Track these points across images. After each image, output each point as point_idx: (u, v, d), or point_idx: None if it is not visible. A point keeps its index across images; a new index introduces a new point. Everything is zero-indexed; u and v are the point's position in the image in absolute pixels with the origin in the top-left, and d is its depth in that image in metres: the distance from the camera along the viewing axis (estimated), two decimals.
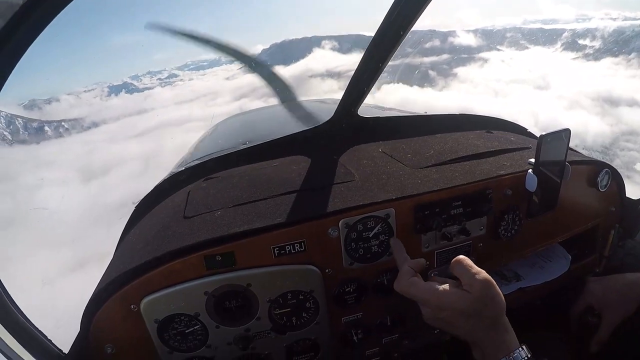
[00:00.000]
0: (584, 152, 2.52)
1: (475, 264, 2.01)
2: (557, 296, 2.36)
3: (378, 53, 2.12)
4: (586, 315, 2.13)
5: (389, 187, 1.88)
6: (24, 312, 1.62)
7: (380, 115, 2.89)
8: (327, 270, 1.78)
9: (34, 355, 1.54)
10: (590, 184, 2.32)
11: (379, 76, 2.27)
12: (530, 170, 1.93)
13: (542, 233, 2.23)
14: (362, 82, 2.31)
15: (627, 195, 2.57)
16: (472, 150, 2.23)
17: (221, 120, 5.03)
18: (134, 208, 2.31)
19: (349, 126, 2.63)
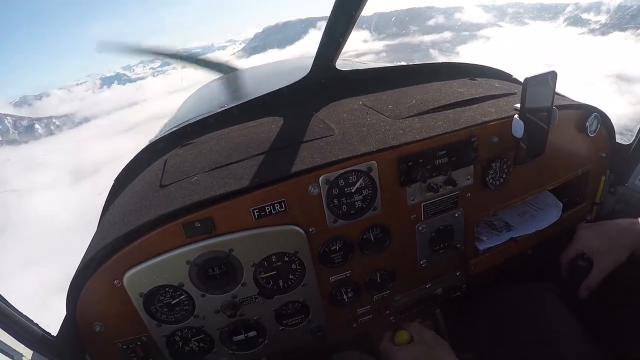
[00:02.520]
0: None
1: (464, 215, 2.07)
2: (548, 245, 2.33)
3: (348, 3, 2.08)
4: (576, 261, 2.12)
5: (369, 140, 1.87)
6: (5, 298, 1.59)
7: (360, 68, 2.87)
8: (310, 230, 1.79)
9: (21, 342, 1.55)
10: (579, 129, 2.29)
11: (353, 26, 2.23)
12: (516, 116, 1.89)
13: (532, 181, 2.22)
14: (336, 34, 2.28)
15: (617, 140, 2.53)
16: (456, 98, 2.20)
17: (201, 86, 4.98)
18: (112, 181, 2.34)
19: (327, 80, 2.61)
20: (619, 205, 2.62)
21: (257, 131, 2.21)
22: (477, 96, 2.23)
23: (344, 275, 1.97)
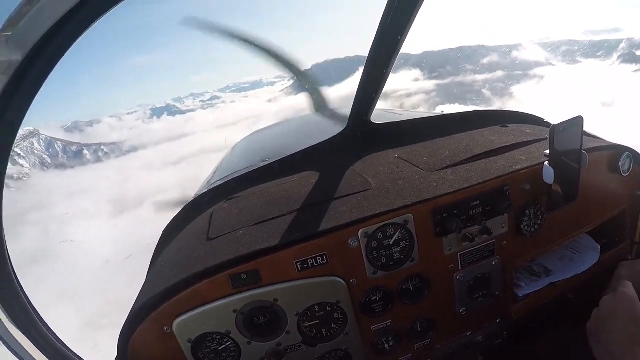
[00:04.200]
0: None
1: (501, 262, 2.13)
2: (589, 288, 2.35)
3: (379, 58, 2.28)
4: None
5: (405, 193, 2.01)
6: (61, 339, 1.88)
7: (394, 120, 3.03)
8: (351, 281, 1.93)
9: None
10: (612, 170, 2.37)
11: (386, 81, 2.42)
12: (546, 163, 1.99)
13: (567, 225, 2.30)
14: (369, 89, 2.47)
15: None
16: (487, 147, 2.32)
17: (239, 140, 5.38)
18: (161, 233, 2.54)
19: (363, 134, 2.79)
20: None
21: (297, 186, 2.38)
22: (508, 144, 2.35)
23: (385, 324, 2.09)
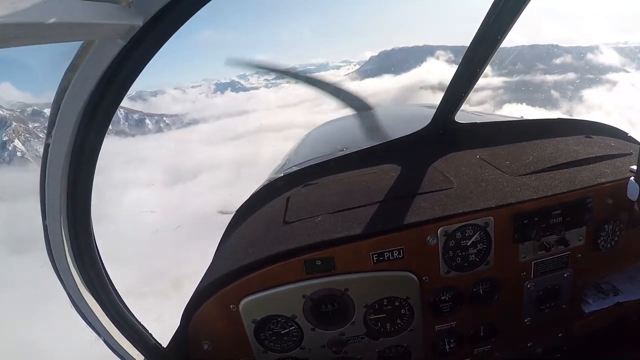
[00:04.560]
0: None
1: (573, 276, 2.10)
2: None
3: (476, 58, 2.26)
4: None
5: (488, 195, 2.00)
6: (129, 307, 1.91)
7: (478, 121, 3.02)
8: (424, 278, 1.93)
9: (136, 347, 1.84)
10: None
11: (476, 82, 2.41)
12: (632, 178, 1.94)
13: None
14: (459, 88, 2.46)
15: None
16: (572, 157, 2.29)
17: (314, 128, 5.43)
18: (233, 213, 2.60)
19: (445, 132, 2.78)
20: None
21: (377, 178, 2.40)
22: (593, 155, 2.31)
23: (449, 326, 2.10)
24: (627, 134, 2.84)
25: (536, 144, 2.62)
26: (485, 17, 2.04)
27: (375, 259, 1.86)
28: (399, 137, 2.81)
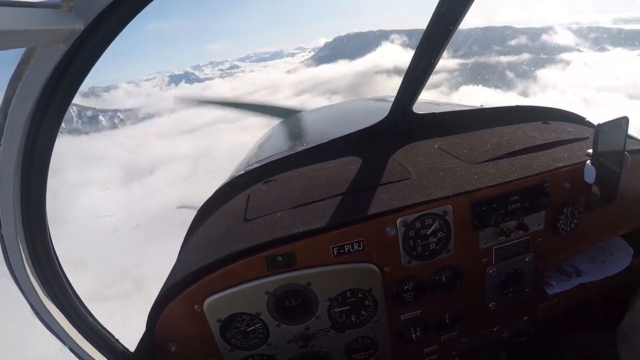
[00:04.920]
0: None
1: (534, 259, 2.15)
2: (618, 292, 2.38)
3: (429, 48, 2.28)
4: None
5: (445, 184, 2.03)
6: (92, 312, 1.90)
7: (436, 111, 3.07)
8: (385, 269, 1.96)
9: (103, 354, 1.84)
10: None
11: (432, 72, 2.44)
12: (588, 162, 2.02)
13: (603, 226, 2.31)
14: (415, 79, 2.48)
15: None
16: (529, 143, 2.35)
17: (277, 123, 5.48)
18: (192, 207, 2.64)
19: (404, 124, 2.81)
20: None
21: (337, 171, 2.41)
22: (550, 141, 2.36)
23: (414, 314, 2.13)
24: (584, 118, 2.91)
25: (494, 132, 2.68)
26: (437, 7, 2.07)
27: (335, 252, 1.89)
28: (357, 130, 2.84)
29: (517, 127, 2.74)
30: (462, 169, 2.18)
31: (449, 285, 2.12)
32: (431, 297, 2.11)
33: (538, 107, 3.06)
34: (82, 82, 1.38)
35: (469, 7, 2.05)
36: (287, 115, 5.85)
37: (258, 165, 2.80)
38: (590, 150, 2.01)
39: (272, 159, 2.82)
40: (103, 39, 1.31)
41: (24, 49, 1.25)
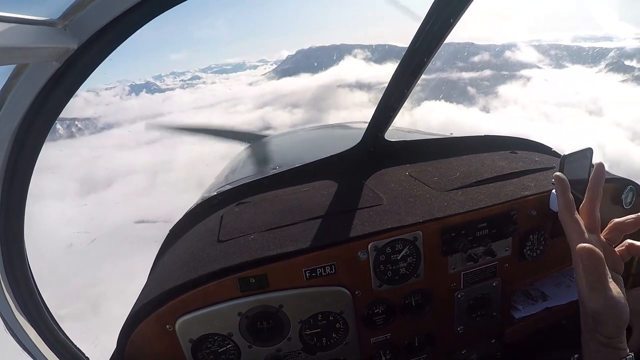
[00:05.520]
0: None
1: (501, 284, 2.22)
2: None
3: (403, 80, 2.37)
4: None
5: (416, 211, 2.10)
6: (65, 330, 1.93)
7: (407, 139, 3.13)
8: (356, 292, 2.00)
9: None
10: (615, 202, 2.52)
11: (404, 102, 2.51)
12: (553, 191, 2.02)
13: (568, 252, 2.25)
14: (388, 109, 2.57)
15: None
16: (497, 172, 2.44)
17: (249, 145, 5.55)
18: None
19: (376, 150, 2.88)
20: None
21: (310, 195, 2.46)
22: (517, 170, 2.46)
23: (384, 337, 2.17)
24: (550, 148, 3.02)
25: (463, 160, 2.76)
26: (412, 41, 2.16)
27: (308, 275, 1.92)
28: (330, 155, 2.90)
29: (486, 155, 2.83)
30: (432, 196, 2.26)
31: (419, 309, 2.17)
32: (401, 321, 2.16)
33: (506, 136, 3.17)
34: (69, 100, 1.41)
35: (443, 41, 2.14)
36: (253, 140, 5.98)
37: (231, 187, 2.83)
38: None
39: (245, 181, 2.86)
40: (95, 58, 1.35)
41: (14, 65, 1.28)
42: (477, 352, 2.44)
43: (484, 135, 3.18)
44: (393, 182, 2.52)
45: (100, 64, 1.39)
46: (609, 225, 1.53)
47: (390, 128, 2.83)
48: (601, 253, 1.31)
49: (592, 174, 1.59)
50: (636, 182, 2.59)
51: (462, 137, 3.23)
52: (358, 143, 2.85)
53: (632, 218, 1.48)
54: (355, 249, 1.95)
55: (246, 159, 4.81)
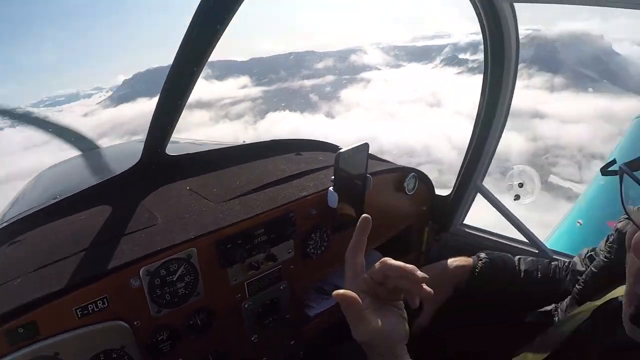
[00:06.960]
0: None
1: (289, 286, 2.31)
2: None
3: (175, 91, 2.30)
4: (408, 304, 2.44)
5: (189, 227, 2.06)
6: None
7: (190, 151, 3.09)
8: (135, 323, 1.92)
9: None
10: (398, 189, 2.74)
11: (180, 113, 2.43)
12: (330, 188, 2.23)
13: None
14: (164, 121, 2.46)
15: (438, 193, 3.10)
16: (278, 176, 2.50)
17: (32, 178, 5.12)
18: None
19: (157, 167, 2.74)
20: (444, 251, 3.14)
21: (84, 224, 2.29)
22: (299, 172, 2.57)
23: None
24: (337, 147, 3.13)
25: (246, 168, 2.81)
26: (179, 49, 2.11)
27: (79, 314, 1.79)
28: (110, 176, 2.75)
29: (270, 160, 2.92)
30: (208, 209, 2.25)
31: (205, 327, 2.15)
32: (189, 343, 2.12)
33: (293, 139, 3.28)
34: None
35: (211, 51, 2.12)
36: (82, 148, 5.56)
37: (6, 224, 2.59)
38: (333, 177, 2.21)
39: (21, 216, 2.62)
40: None
41: None
42: (279, 357, 2.50)
43: (271, 141, 3.26)
44: (171, 199, 2.46)
45: None
46: (377, 263, 1.55)
47: (180, 142, 2.88)
48: (353, 294, 1.37)
49: (357, 226, 1.60)
50: (419, 169, 2.86)
51: (249, 144, 3.30)
52: (137, 162, 2.71)
53: (397, 266, 1.47)
54: (126, 276, 1.86)
55: (26, 191, 4.50)
